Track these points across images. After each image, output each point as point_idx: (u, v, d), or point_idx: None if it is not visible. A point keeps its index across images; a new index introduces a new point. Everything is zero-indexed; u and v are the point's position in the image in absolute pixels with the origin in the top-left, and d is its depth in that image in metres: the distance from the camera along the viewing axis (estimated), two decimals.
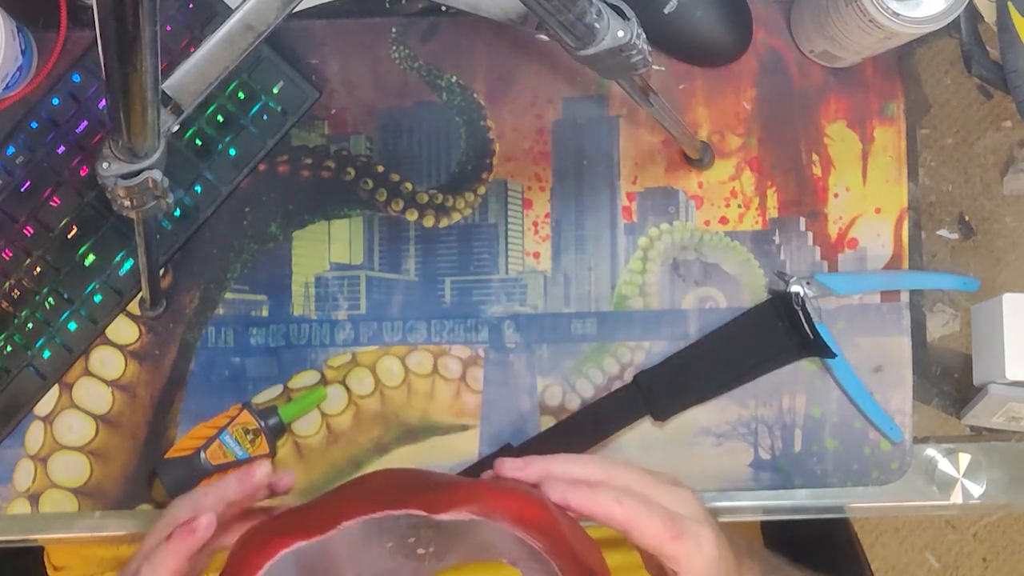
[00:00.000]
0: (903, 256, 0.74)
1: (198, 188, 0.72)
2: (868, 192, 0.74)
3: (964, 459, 0.75)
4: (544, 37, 0.56)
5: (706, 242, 0.74)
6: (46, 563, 0.88)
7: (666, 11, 0.71)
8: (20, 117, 0.72)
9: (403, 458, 0.73)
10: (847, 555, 0.95)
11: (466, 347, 0.73)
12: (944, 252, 0.76)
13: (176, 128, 0.53)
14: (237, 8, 0.52)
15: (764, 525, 0.93)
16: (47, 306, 0.72)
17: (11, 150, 0.72)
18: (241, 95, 0.72)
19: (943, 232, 0.76)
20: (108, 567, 0.82)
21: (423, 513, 0.50)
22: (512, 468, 0.56)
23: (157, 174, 0.52)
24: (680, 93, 0.74)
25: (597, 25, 0.53)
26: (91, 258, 0.72)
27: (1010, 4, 0.71)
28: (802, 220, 0.74)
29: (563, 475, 0.56)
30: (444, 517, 0.50)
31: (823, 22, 0.69)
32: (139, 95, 0.44)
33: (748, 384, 0.73)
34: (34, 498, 0.72)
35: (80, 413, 0.73)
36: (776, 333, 0.73)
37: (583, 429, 0.72)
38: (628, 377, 0.73)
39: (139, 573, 0.57)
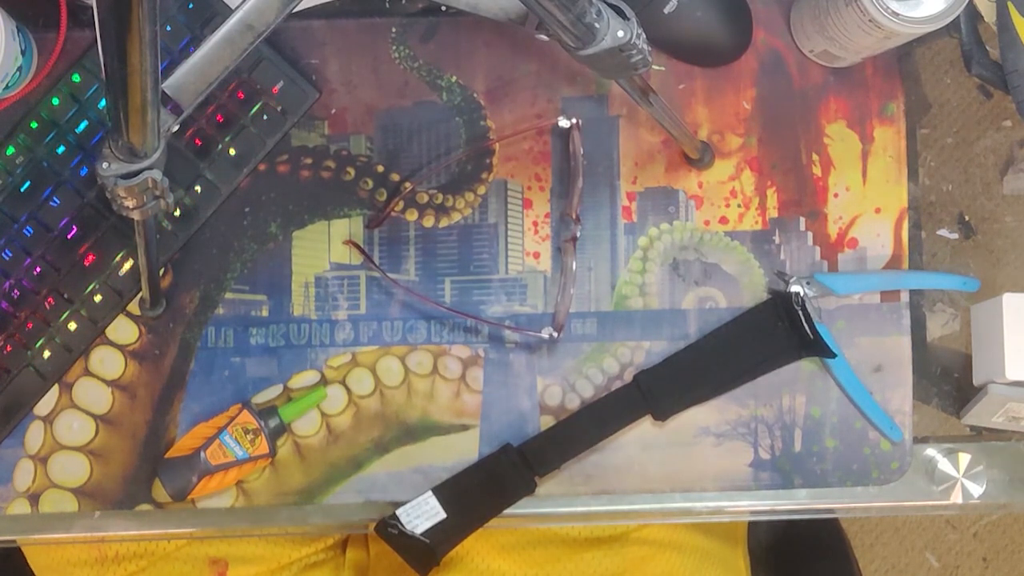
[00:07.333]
0: (903, 256, 0.74)
1: (198, 188, 0.72)
2: (868, 192, 0.74)
3: (964, 459, 0.75)
4: (544, 37, 0.56)
5: (706, 242, 0.74)
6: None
7: (666, 11, 0.71)
8: (20, 117, 0.72)
9: (403, 458, 0.73)
10: (836, 553, 0.95)
11: (466, 347, 0.73)
12: (944, 252, 0.76)
13: (176, 128, 0.53)
14: (237, 8, 0.52)
15: (753, 525, 0.93)
16: (47, 306, 0.72)
17: (11, 150, 0.72)
18: (241, 95, 0.72)
19: (943, 232, 0.76)
20: (87, 565, 0.82)
21: None
22: None
23: (157, 174, 0.52)
24: (680, 93, 0.74)
25: (597, 25, 0.53)
26: (91, 258, 0.72)
27: (1010, 4, 0.71)
28: (802, 220, 0.74)
29: None
30: None
31: (823, 22, 0.69)
32: (139, 95, 0.44)
33: (748, 384, 0.73)
34: (34, 498, 0.72)
35: (80, 413, 0.73)
36: (776, 333, 0.73)
37: (583, 429, 0.72)
38: (628, 377, 0.73)
39: None
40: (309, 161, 0.74)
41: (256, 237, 0.74)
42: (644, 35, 0.56)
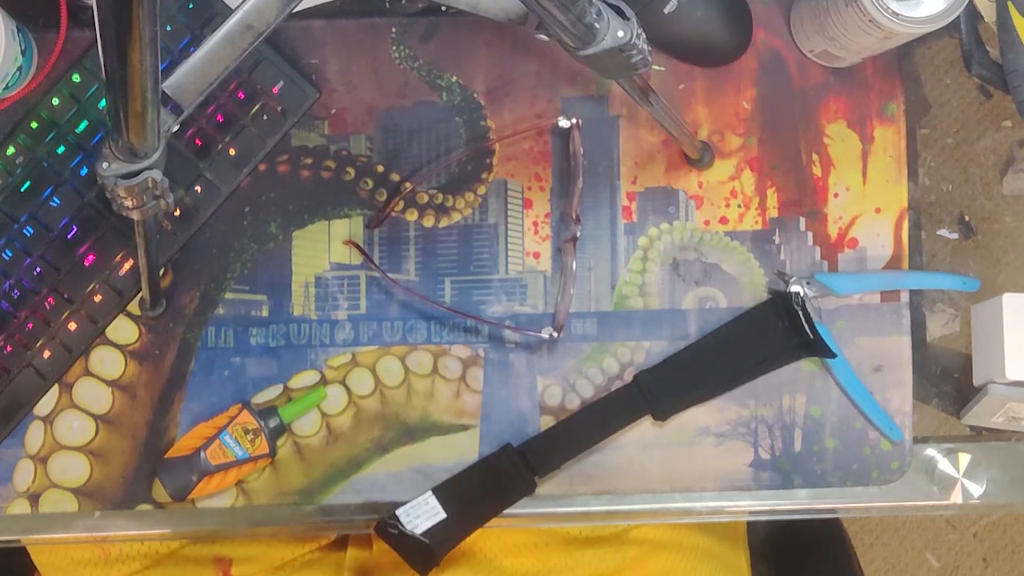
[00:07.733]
0: (903, 256, 0.74)
1: (198, 188, 0.72)
2: (868, 192, 0.74)
3: (964, 459, 0.75)
4: (544, 37, 0.56)
5: (706, 242, 0.74)
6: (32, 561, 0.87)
7: (666, 11, 0.71)
8: (20, 117, 0.72)
9: (403, 458, 0.73)
10: (837, 553, 0.95)
11: (466, 347, 0.73)
12: (944, 252, 0.76)
13: (176, 128, 0.53)
14: (237, 8, 0.52)
15: (752, 523, 0.93)
16: (47, 306, 0.72)
17: (11, 150, 0.72)
18: (241, 95, 0.72)
19: (943, 232, 0.76)
20: (91, 564, 0.82)
21: None
22: None
23: (157, 174, 0.52)
24: (680, 93, 0.74)
25: (597, 25, 0.53)
26: (91, 258, 0.72)
27: (1010, 4, 0.71)
28: (802, 220, 0.74)
29: None
30: None
31: (823, 22, 0.69)
32: (139, 95, 0.44)
33: (748, 384, 0.73)
34: (34, 498, 0.72)
35: (80, 413, 0.73)
36: (776, 333, 0.73)
37: (583, 429, 0.72)
38: (628, 377, 0.73)
39: None
40: (309, 161, 0.74)
41: (256, 237, 0.74)
42: (644, 35, 0.56)
